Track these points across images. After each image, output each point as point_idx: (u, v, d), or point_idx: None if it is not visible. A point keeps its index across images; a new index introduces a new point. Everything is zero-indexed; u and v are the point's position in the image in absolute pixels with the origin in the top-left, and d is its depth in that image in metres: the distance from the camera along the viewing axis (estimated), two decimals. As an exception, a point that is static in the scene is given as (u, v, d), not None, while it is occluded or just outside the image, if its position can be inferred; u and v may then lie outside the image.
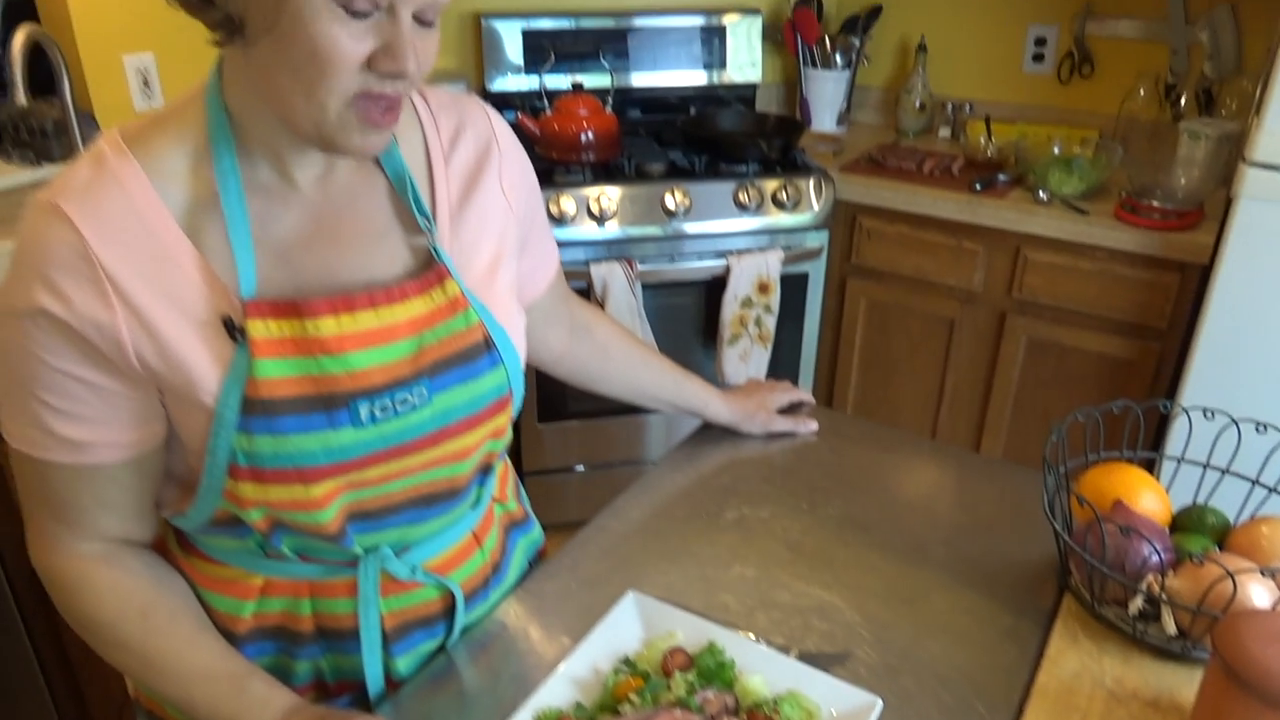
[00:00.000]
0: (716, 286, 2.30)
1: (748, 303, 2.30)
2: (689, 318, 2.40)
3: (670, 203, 2.23)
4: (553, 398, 2.37)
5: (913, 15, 2.75)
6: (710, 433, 1.26)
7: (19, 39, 1.67)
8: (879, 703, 0.79)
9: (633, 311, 2.24)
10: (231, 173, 0.75)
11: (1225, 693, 0.72)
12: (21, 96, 1.68)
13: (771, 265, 2.27)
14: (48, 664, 1.57)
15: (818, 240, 2.34)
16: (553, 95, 2.42)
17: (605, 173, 2.29)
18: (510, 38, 2.57)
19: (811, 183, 2.30)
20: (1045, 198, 2.16)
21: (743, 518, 1.09)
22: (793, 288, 2.37)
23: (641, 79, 2.69)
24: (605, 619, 0.89)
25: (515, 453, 2.44)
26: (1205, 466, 1.03)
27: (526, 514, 1.09)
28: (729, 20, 2.69)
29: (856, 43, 2.70)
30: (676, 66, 2.70)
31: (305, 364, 0.75)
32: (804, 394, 1.31)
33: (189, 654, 0.81)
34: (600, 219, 2.21)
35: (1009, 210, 2.16)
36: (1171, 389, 2.05)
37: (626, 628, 0.90)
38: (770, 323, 2.34)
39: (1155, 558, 0.88)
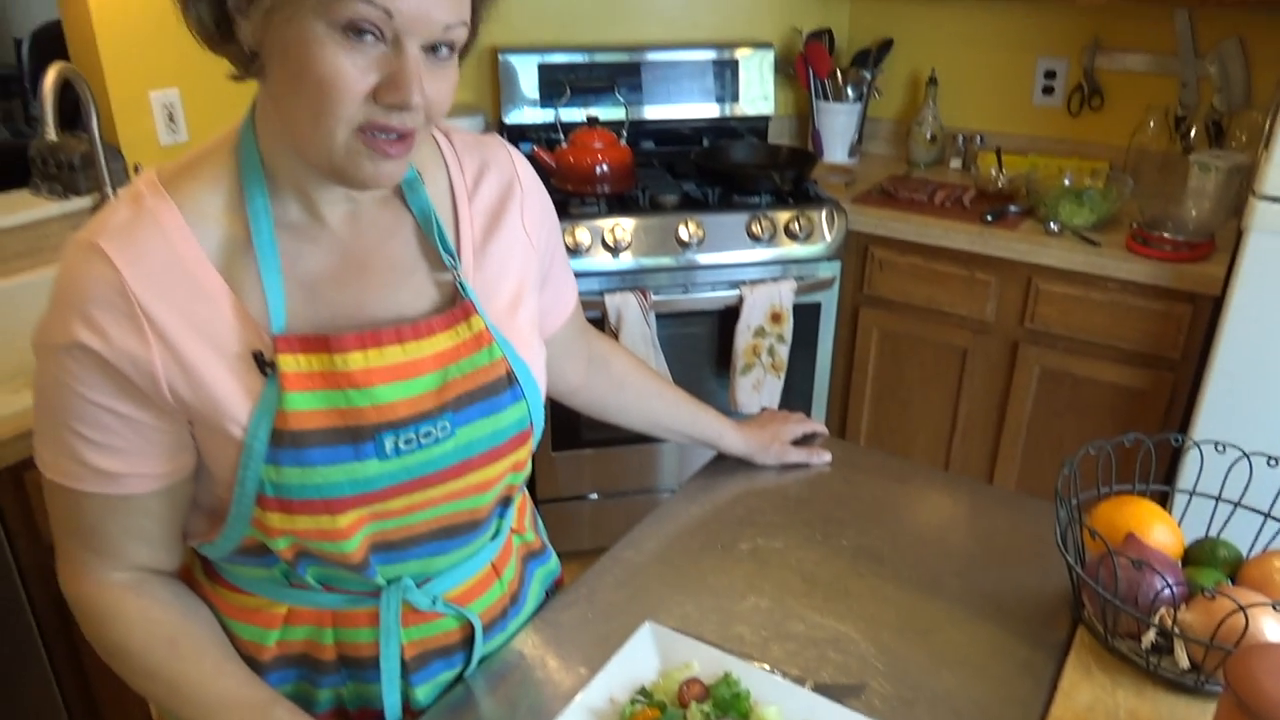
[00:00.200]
0: (730, 316, 2.32)
1: (761, 332, 2.32)
2: (702, 347, 2.42)
3: (684, 234, 2.25)
4: (567, 426, 2.39)
5: (923, 49, 2.78)
6: (724, 464, 1.28)
7: (50, 76, 1.71)
8: (894, 734, 0.80)
9: (647, 341, 2.26)
10: (263, 212, 0.77)
11: (1238, 727, 0.73)
12: (52, 132, 1.72)
13: (784, 295, 2.29)
14: (67, 688, 1.58)
15: (830, 271, 2.36)
16: (568, 128, 2.46)
17: (620, 204, 2.33)
18: (526, 72, 2.62)
19: (824, 214, 2.32)
20: (1056, 229, 2.18)
21: (757, 549, 1.11)
22: (805, 317, 2.38)
23: (655, 112, 2.73)
24: (622, 649, 0.90)
25: (530, 481, 2.45)
26: (1217, 499, 1.03)
27: (544, 545, 1.10)
28: (741, 54, 2.73)
29: (868, 76, 2.74)
30: (690, 99, 2.74)
31: (333, 397, 0.77)
32: (817, 425, 1.32)
33: (215, 682, 0.83)
34: (615, 250, 2.23)
35: (1020, 241, 2.17)
36: (1186, 419, 2.05)
37: (643, 658, 0.91)
38: (783, 352, 2.36)
39: (1167, 591, 0.89)
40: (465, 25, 0.72)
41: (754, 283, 2.28)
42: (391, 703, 0.90)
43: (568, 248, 2.20)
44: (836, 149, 2.79)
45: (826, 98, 2.75)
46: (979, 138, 2.71)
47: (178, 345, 0.74)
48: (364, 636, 0.88)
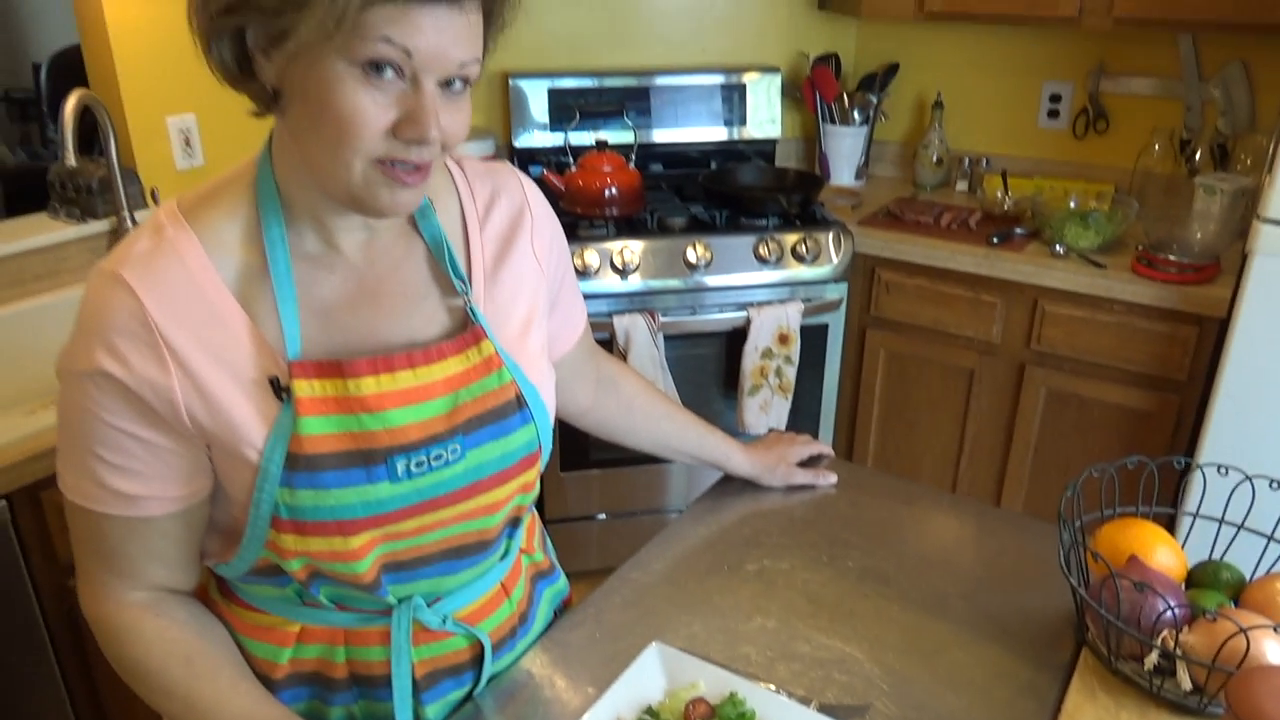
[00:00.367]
0: (737, 338, 2.34)
1: (768, 354, 2.33)
2: (710, 368, 2.44)
3: (692, 256, 2.27)
4: (575, 447, 2.41)
5: (929, 73, 2.81)
6: (731, 485, 1.29)
7: (71, 103, 1.75)
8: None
9: (655, 362, 2.28)
10: (280, 242, 0.79)
11: (1239, 748, 0.73)
12: (71, 158, 1.75)
13: (791, 317, 2.30)
14: (80, 704, 1.60)
15: (837, 292, 2.38)
16: (577, 151, 2.49)
17: (628, 227, 2.35)
18: (536, 96, 2.65)
19: (830, 236, 2.34)
20: (1062, 251, 2.19)
21: (763, 569, 1.12)
22: (813, 339, 2.40)
23: (664, 135, 2.76)
24: (629, 669, 0.91)
25: (539, 501, 2.46)
26: (1220, 522, 1.04)
27: (552, 565, 1.12)
28: (749, 79, 2.76)
29: (874, 99, 2.76)
30: (698, 123, 2.77)
31: (346, 421, 0.79)
32: (823, 447, 1.33)
33: (230, 700, 0.84)
34: (623, 272, 2.25)
35: (1026, 263, 2.19)
36: (1193, 441, 2.06)
37: (649, 678, 0.92)
38: (791, 373, 2.37)
39: (1169, 613, 0.89)
40: (479, 62, 0.74)
41: (761, 304, 2.30)
42: (403, 721, 0.91)
43: (577, 270, 2.22)
44: (843, 172, 2.81)
45: (833, 121, 2.78)
46: (985, 160, 2.73)
47: (197, 372, 0.76)
48: (375, 655, 0.90)
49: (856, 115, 2.76)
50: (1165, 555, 0.98)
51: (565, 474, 2.45)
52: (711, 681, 0.90)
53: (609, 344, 2.25)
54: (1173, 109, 2.45)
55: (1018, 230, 2.32)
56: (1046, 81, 2.63)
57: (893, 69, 2.79)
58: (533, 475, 0.91)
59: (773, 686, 0.92)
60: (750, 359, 2.33)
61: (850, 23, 2.92)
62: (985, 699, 0.92)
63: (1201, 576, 0.99)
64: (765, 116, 2.80)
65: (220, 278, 0.78)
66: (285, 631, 0.89)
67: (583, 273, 2.24)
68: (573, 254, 2.21)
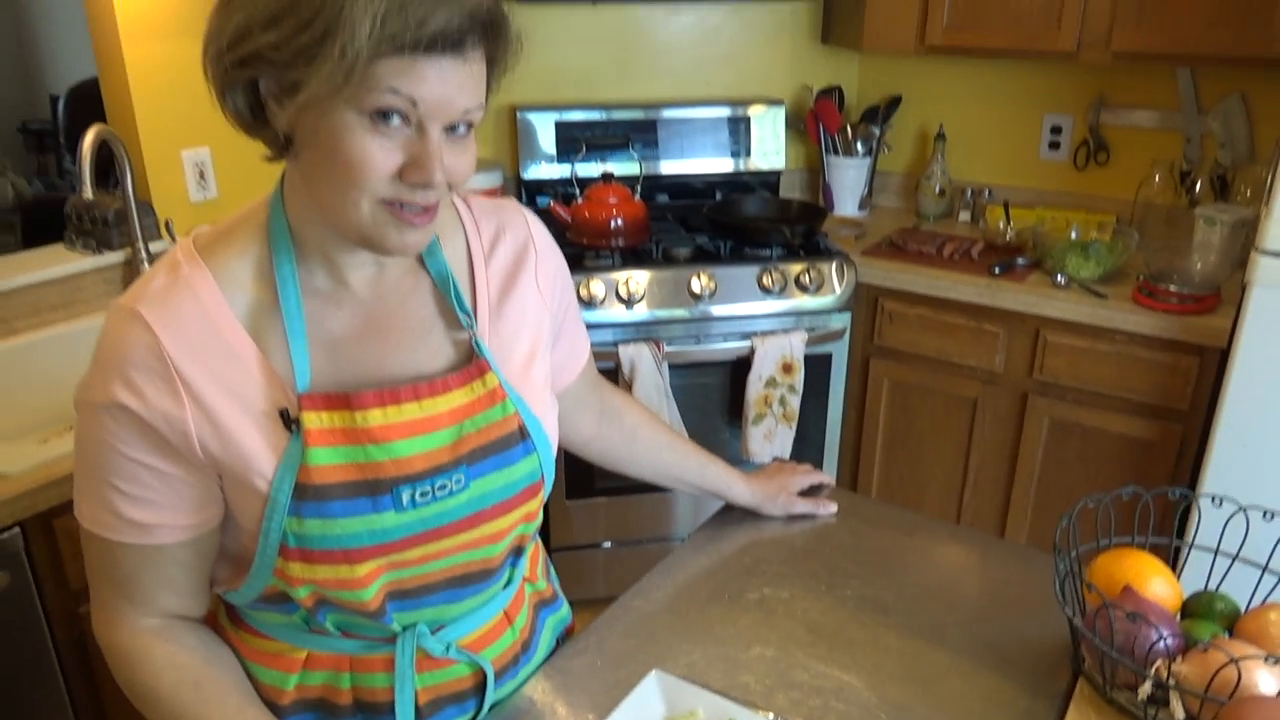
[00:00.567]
0: (742, 367, 2.36)
1: (772, 383, 2.35)
2: (715, 397, 2.46)
3: (696, 286, 2.30)
4: (580, 475, 2.42)
5: (931, 105, 2.85)
6: (732, 514, 1.31)
7: (89, 138, 1.79)
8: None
9: (660, 391, 2.30)
10: (291, 278, 0.82)
11: (1229, 778, 0.74)
12: (89, 191, 1.79)
13: (795, 346, 2.32)
14: (88, 734, 1.61)
15: (840, 322, 2.40)
16: (584, 183, 2.53)
17: (634, 257, 2.38)
18: (544, 129, 2.70)
19: (834, 266, 2.37)
20: (1063, 281, 2.21)
21: (764, 598, 1.13)
22: (816, 368, 2.42)
23: (669, 166, 2.80)
24: (629, 697, 0.93)
25: (544, 529, 2.48)
26: (1215, 553, 1.05)
27: (555, 593, 1.13)
28: (754, 111, 2.80)
29: (877, 131, 2.80)
30: (703, 155, 2.81)
31: (353, 452, 0.81)
32: (824, 476, 1.35)
33: (237, 725, 0.86)
34: (629, 302, 2.28)
35: (1028, 294, 2.21)
36: (1195, 470, 2.06)
37: (649, 705, 0.93)
38: (794, 402, 2.39)
39: (1163, 643, 0.90)
40: (482, 107, 0.77)
41: (765, 334, 2.32)
42: (406, 747, 0.93)
43: (582, 300, 2.25)
44: (847, 202, 2.84)
45: (837, 152, 2.81)
46: (987, 191, 2.75)
47: (209, 405, 0.78)
48: (380, 681, 0.91)
49: (860, 147, 2.79)
50: (1160, 585, 0.99)
51: (571, 502, 2.46)
52: (711, 709, 0.92)
53: (614, 373, 2.27)
54: (1173, 141, 2.48)
55: (1019, 260, 2.34)
56: (1047, 114, 2.66)
57: (895, 101, 2.83)
58: (535, 505, 0.93)
59: (772, 715, 0.93)
60: (754, 388, 2.35)
61: (853, 56, 2.96)
62: (982, 728, 0.93)
63: (1196, 607, 1.00)
64: (770, 148, 2.84)
65: (233, 313, 0.80)
66: (292, 658, 0.91)
67: (589, 303, 2.26)
68: (579, 284, 2.24)
